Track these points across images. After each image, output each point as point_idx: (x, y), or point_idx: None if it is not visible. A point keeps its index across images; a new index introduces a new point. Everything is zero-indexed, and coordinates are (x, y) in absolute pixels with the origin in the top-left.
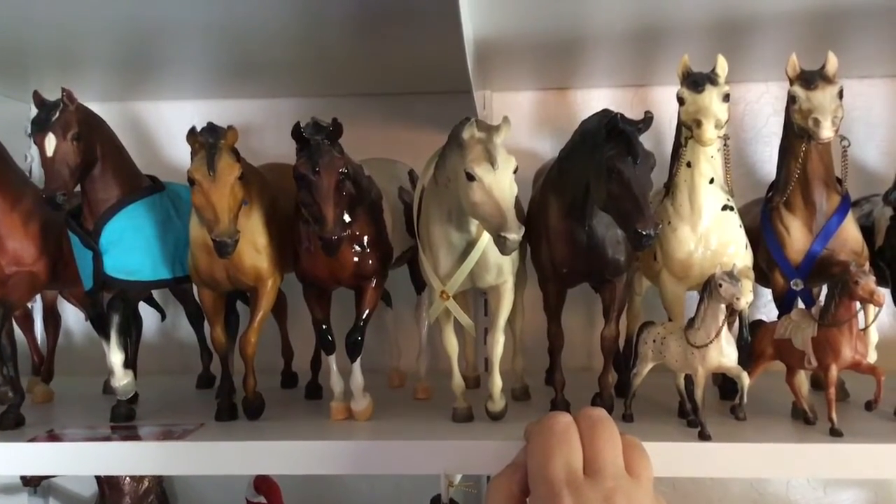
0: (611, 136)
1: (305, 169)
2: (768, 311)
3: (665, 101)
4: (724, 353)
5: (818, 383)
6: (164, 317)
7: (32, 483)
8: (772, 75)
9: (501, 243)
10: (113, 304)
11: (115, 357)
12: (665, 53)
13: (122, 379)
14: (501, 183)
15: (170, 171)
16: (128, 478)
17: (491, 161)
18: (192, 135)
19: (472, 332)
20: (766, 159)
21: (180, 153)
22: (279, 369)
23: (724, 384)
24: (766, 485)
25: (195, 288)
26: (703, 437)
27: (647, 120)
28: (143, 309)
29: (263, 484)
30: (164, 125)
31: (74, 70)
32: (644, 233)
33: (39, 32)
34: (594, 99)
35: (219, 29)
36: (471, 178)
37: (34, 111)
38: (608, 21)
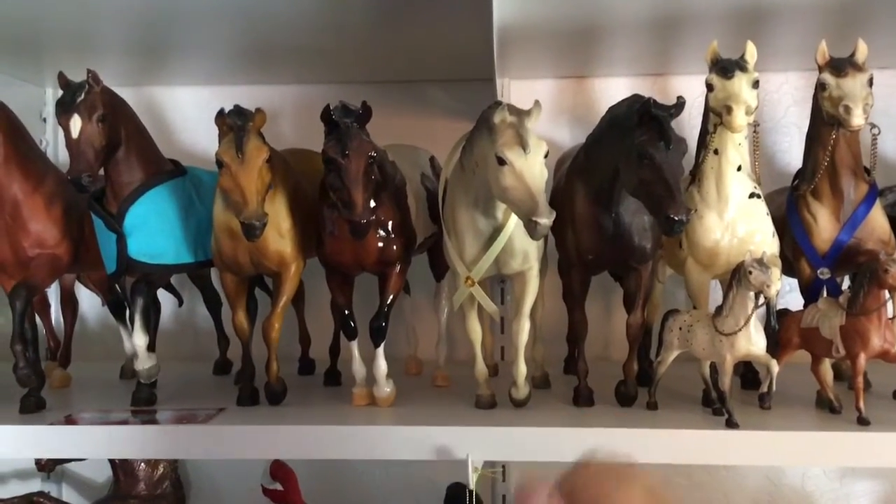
0: (642, 121)
1: (335, 152)
2: (787, 301)
3: (684, 91)
4: (753, 340)
5: (839, 374)
6: (181, 302)
7: (46, 468)
8: (791, 65)
9: (532, 228)
10: (137, 288)
11: (140, 340)
12: (684, 43)
13: (146, 362)
14: (533, 167)
15: (184, 157)
16: (143, 464)
17: (522, 145)
18: (220, 117)
19: (496, 318)
20: (786, 149)
21: (196, 138)
22: (296, 356)
23: (746, 374)
24: (782, 476)
25: (214, 274)
26: (731, 424)
27: (680, 105)
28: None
29: (279, 471)
30: (180, 110)
31: (89, 54)
32: (676, 218)
33: (55, 17)
34: (612, 87)
35: (237, 14)
36: (502, 162)
37: (49, 95)
38: (628, 9)
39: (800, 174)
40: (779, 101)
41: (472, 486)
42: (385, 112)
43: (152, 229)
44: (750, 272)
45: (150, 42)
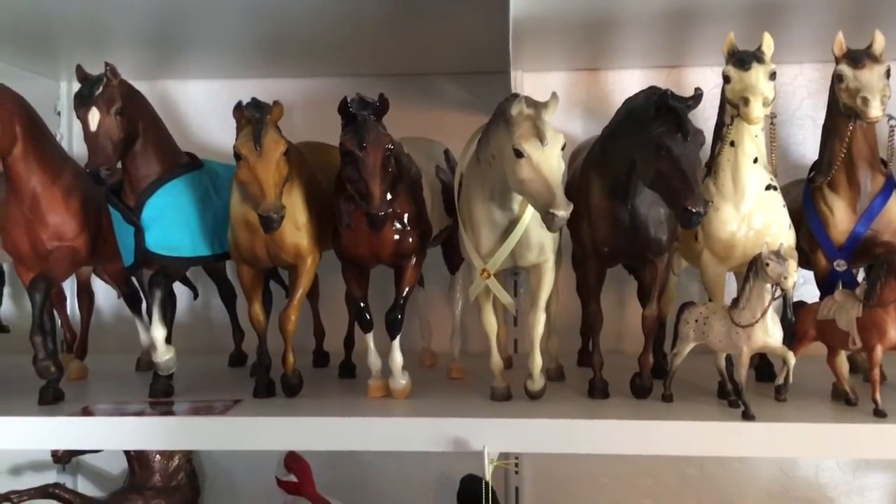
0: (660, 113)
1: (352, 145)
2: (801, 293)
3: (699, 83)
4: (770, 332)
5: (854, 366)
6: (196, 295)
7: (62, 460)
8: (805, 57)
9: (550, 220)
10: (155, 280)
11: (158, 332)
12: (698, 34)
13: (164, 354)
14: (550, 159)
15: (198, 150)
16: (158, 455)
17: (540, 137)
18: (237, 110)
19: (512, 311)
20: (800, 141)
21: (209, 131)
22: (310, 349)
23: (761, 366)
24: (796, 468)
25: (229, 266)
26: (747, 417)
27: (697, 97)
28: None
29: (294, 462)
30: (193, 104)
31: (103, 48)
32: (694, 210)
33: (68, 10)
34: (626, 80)
35: (250, 8)
36: (519, 154)
37: (63, 89)
38: (642, 1)
39: (816, 166)
40: (793, 93)
41: (487, 477)
42: (399, 105)
43: (170, 222)
44: (767, 264)
45: (164, 36)
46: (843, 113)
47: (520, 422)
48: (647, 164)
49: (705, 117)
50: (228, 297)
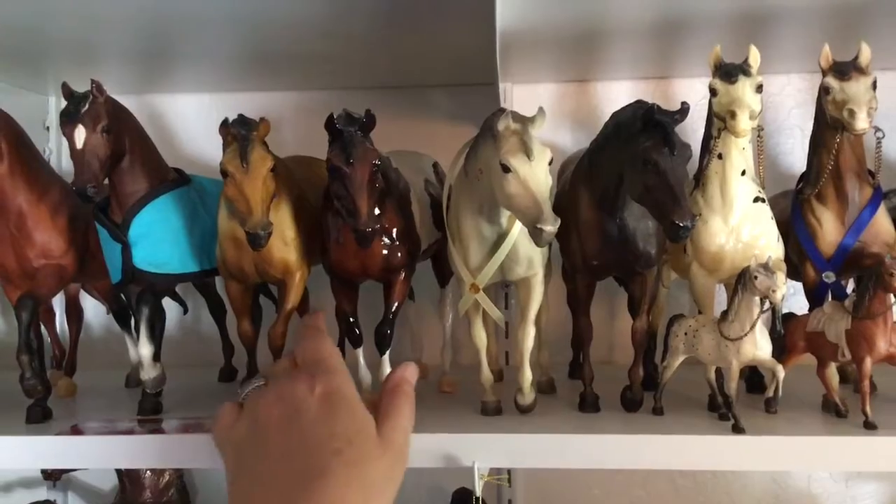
0: (646, 127)
1: (339, 161)
2: (790, 305)
3: (687, 94)
4: (759, 345)
5: (844, 377)
6: (186, 310)
7: (53, 477)
8: (794, 67)
9: (537, 235)
10: (143, 297)
11: (145, 350)
12: (686, 46)
13: (151, 372)
14: (537, 174)
15: (187, 164)
16: (148, 471)
17: (526, 152)
18: (224, 127)
19: (501, 325)
20: (788, 151)
21: (198, 146)
22: None
23: (752, 377)
24: (788, 479)
25: (218, 281)
26: (737, 430)
27: (684, 110)
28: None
29: None
30: (182, 118)
31: (92, 63)
32: (682, 224)
33: (57, 25)
34: (615, 91)
35: (238, 21)
36: (506, 169)
37: (52, 104)
38: (631, 13)
39: (804, 178)
40: (781, 104)
41: (478, 493)
42: (387, 117)
43: (157, 238)
44: (755, 277)
45: (153, 50)
46: (830, 125)
47: (510, 437)
48: (635, 178)
49: (693, 129)
50: (218, 311)
